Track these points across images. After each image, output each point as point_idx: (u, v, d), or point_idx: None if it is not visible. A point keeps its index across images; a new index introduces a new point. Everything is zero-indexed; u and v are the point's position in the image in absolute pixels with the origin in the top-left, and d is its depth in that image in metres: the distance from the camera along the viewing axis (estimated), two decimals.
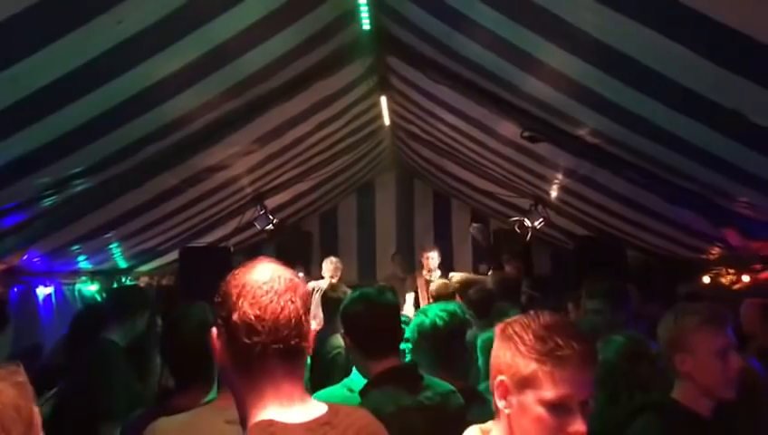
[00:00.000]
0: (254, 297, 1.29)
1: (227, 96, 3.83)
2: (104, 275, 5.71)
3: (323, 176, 7.08)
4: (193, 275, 5.39)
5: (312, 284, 6.34)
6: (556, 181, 5.56)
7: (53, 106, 2.71)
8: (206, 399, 2.25)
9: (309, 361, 1.45)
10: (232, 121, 4.21)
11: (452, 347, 2.86)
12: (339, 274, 6.64)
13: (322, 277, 6.61)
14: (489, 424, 1.54)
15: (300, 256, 7.12)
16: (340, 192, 8.93)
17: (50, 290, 4.82)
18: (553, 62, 3.26)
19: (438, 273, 6.77)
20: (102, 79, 2.77)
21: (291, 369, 1.31)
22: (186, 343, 2.39)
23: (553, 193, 5.92)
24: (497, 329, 1.51)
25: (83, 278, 5.43)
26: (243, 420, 1.32)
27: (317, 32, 3.80)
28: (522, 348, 1.43)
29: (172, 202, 5.07)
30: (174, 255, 6.18)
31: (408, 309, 6.52)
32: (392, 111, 6.06)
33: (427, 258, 6.94)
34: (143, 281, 6.56)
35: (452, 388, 2.37)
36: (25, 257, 4.09)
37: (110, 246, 5.35)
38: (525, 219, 6.41)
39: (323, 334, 4.12)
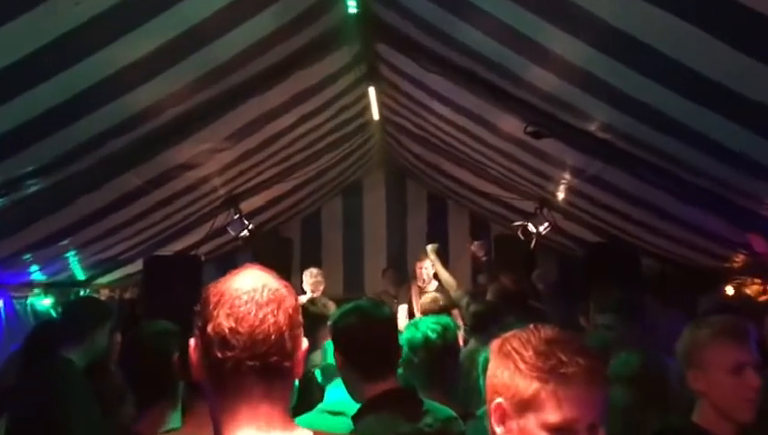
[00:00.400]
0: (231, 307, 1.29)
1: (198, 86, 3.82)
2: (60, 287, 5.68)
3: (305, 176, 7.06)
4: (159, 288, 5.41)
5: None
6: (563, 181, 5.55)
7: (1, 97, 2.70)
8: (170, 422, 2.28)
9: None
10: (203, 114, 4.20)
11: (446, 364, 2.88)
12: (321, 287, 6.62)
13: (303, 291, 6.56)
14: None
15: (278, 266, 7.04)
16: (324, 194, 8.90)
17: None
18: (559, 48, 3.26)
19: (435, 284, 6.77)
20: (58, 66, 2.76)
21: (269, 390, 1.30)
22: (144, 362, 2.44)
23: (560, 195, 5.90)
24: (493, 346, 1.50)
25: (36, 291, 5.42)
26: None
27: (298, 15, 3.79)
28: (521, 366, 1.41)
29: (136, 205, 5.04)
30: (138, 265, 6.15)
31: (401, 322, 6.45)
32: (382, 104, 6.05)
33: (421, 268, 6.95)
34: (103, 294, 6.54)
35: (453, 414, 2.38)
36: None
37: (67, 255, 5.32)
38: (529, 224, 6.39)
39: None
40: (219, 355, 1.27)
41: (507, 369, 1.43)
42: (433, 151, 6.97)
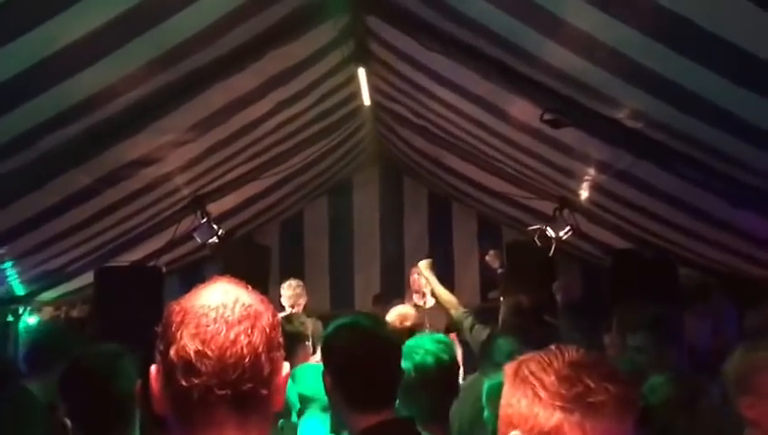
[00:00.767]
0: (196, 327, 1.29)
1: (156, 68, 3.80)
2: None
3: (284, 172, 7.04)
4: (113, 305, 5.42)
5: None
6: (587, 178, 5.55)
7: None
8: None
9: None
10: (162, 101, 4.20)
11: (447, 391, 2.93)
12: (302, 302, 6.63)
13: (282, 307, 6.58)
14: None
15: (253, 278, 7.04)
16: (307, 193, 8.89)
17: None
18: (582, 22, 3.25)
19: (432, 301, 6.74)
20: None
21: (243, 423, 1.30)
22: (88, 391, 2.49)
23: (583, 194, 5.90)
24: (508, 370, 1.51)
25: None
26: None
27: None
28: (542, 394, 1.41)
29: (84, 208, 5.03)
30: (88, 277, 6.11)
31: None
32: (373, 88, 6.02)
33: (415, 277, 6.97)
34: (47, 312, 6.55)
35: None
36: None
37: (2, 267, 5.32)
38: (547, 228, 6.39)
39: None
40: (184, 383, 1.26)
41: (525, 397, 1.43)
42: (434, 143, 6.95)
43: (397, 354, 2.43)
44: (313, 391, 3.70)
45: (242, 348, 1.28)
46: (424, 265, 6.53)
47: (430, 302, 6.74)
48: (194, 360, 1.26)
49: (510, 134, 5.41)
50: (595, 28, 3.24)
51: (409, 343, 2.98)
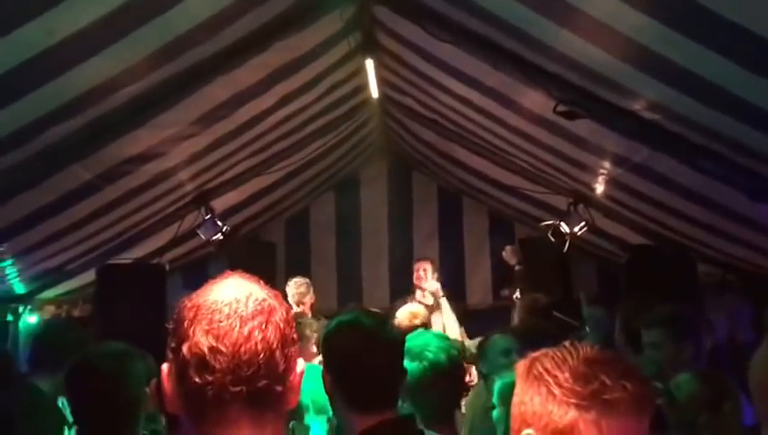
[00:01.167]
0: (209, 323, 1.28)
1: (158, 60, 3.81)
2: None
3: (290, 168, 7.01)
4: (115, 303, 5.40)
5: None
6: (602, 172, 5.53)
7: None
8: None
9: None
10: (164, 95, 4.19)
11: (456, 389, 2.98)
12: (309, 301, 6.60)
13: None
14: None
15: (259, 276, 7.07)
16: (313, 189, 8.86)
17: None
18: (599, 11, 3.26)
19: (443, 297, 6.53)
20: None
21: (258, 421, 1.30)
22: (99, 391, 2.51)
23: (599, 188, 5.88)
24: (520, 367, 1.51)
25: None
26: None
27: None
28: (556, 391, 1.41)
29: (85, 205, 5.02)
30: (89, 275, 6.13)
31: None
32: (381, 80, 5.97)
33: (419, 270, 6.95)
34: (48, 311, 6.54)
35: None
36: None
37: (2, 265, 5.32)
38: (562, 223, 6.38)
39: None
40: (198, 380, 1.26)
41: (538, 394, 1.44)
42: (444, 137, 6.92)
43: (399, 353, 2.42)
44: (310, 395, 3.72)
45: (256, 344, 1.28)
46: (435, 289, 6.53)
47: (429, 300, 6.69)
48: (207, 356, 1.26)
49: (523, 127, 5.40)
50: (611, 16, 3.24)
51: (416, 341, 2.98)
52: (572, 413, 1.39)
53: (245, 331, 1.28)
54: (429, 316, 5.18)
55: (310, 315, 6.23)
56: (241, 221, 7.80)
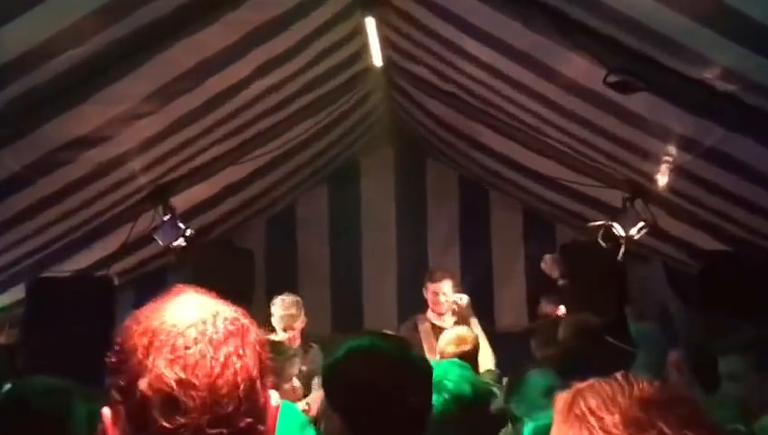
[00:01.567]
0: (172, 350, 1.19)
1: (102, 19, 3.67)
2: None
3: (271, 155, 6.86)
4: (49, 326, 5.36)
5: None
6: (665, 159, 5.32)
7: None
8: None
9: None
10: (112, 62, 4.08)
11: (479, 427, 3.07)
12: (299, 324, 6.33)
13: (271, 329, 6.23)
14: None
15: (233, 293, 6.83)
16: (301, 181, 8.68)
17: None
18: None
19: (451, 321, 6.58)
20: None
21: None
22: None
23: (661, 179, 5.63)
24: (560, 402, 1.42)
25: None
26: None
27: None
28: None
29: (11, 202, 4.85)
30: (17, 292, 6.00)
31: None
32: (386, 43, 5.86)
33: (436, 294, 6.75)
34: None
35: None
36: None
37: None
38: (615, 224, 6.16)
39: None
40: (166, 425, 1.16)
41: None
42: (465, 115, 6.76)
43: (427, 387, 2.38)
44: None
45: (234, 374, 1.21)
46: (466, 302, 6.66)
47: (449, 322, 6.56)
48: (176, 392, 1.17)
49: (564, 102, 5.22)
50: None
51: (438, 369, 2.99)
52: None
53: (221, 357, 1.21)
54: (479, 343, 5.39)
55: (298, 343, 6.16)
56: (209, 223, 7.71)
